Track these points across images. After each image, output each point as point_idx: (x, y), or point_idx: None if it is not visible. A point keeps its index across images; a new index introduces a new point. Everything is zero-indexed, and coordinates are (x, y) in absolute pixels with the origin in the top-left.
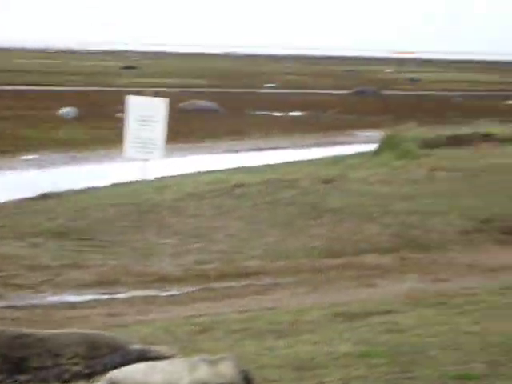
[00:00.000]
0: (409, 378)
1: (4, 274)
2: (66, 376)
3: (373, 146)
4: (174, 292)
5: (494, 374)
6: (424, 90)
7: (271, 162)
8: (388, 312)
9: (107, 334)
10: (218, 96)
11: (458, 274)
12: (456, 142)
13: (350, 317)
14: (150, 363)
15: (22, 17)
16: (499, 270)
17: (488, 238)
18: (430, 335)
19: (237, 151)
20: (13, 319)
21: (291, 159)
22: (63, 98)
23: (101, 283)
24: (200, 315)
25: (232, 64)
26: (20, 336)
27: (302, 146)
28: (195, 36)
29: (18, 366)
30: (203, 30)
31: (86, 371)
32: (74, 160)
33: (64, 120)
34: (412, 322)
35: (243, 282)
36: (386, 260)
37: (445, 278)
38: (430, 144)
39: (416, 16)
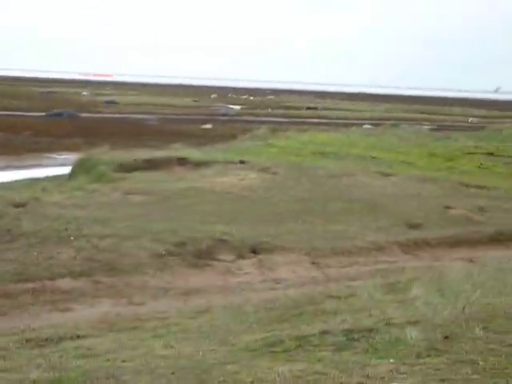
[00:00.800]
0: None
1: None
2: None
3: (68, 169)
4: None
5: None
6: (121, 113)
7: None
8: (81, 337)
9: None
10: None
11: (151, 297)
12: (152, 165)
13: (42, 342)
14: None
15: None
16: (191, 293)
17: (181, 262)
18: (124, 359)
19: None
20: None
21: None
22: None
23: None
24: None
25: None
26: None
27: None
28: None
29: None
30: None
31: None
32: None
33: None
34: (105, 346)
35: None
36: (80, 284)
37: (139, 301)
38: (126, 167)
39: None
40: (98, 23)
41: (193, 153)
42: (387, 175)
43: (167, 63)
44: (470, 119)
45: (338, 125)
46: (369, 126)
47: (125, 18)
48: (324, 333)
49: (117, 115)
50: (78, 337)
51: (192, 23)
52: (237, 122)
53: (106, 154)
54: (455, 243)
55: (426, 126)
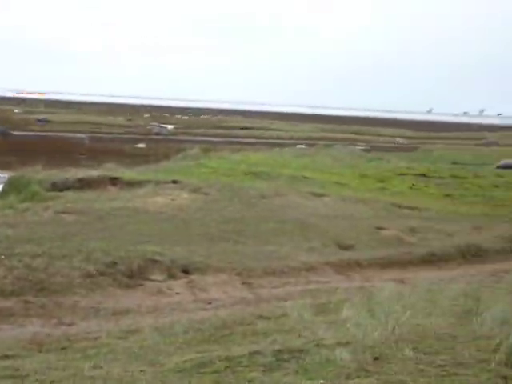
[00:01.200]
0: None
1: None
2: None
3: None
4: None
5: None
6: (53, 132)
7: None
8: (10, 357)
9: None
10: None
11: (82, 317)
12: (84, 184)
13: None
14: None
15: None
16: (122, 313)
17: (112, 282)
18: (53, 380)
19: None
20: None
21: None
22: None
23: None
24: None
25: None
26: None
27: None
28: None
29: None
30: None
31: None
32: None
33: None
34: (34, 366)
35: None
36: (10, 303)
37: (69, 321)
38: (59, 186)
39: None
40: (28, 39)
41: (125, 172)
42: (319, 196)
43: (101, 82)
44: (397, 140)
45: (272, 145)
46: (303, 146)
47: (58, 37)
48: (254, 353)
49: (49, 133)
50: (7, 357)
51: (125, 40)
52: (170, 142)
53: (38, 173)
54: (387, 264)
55: (359, 147)
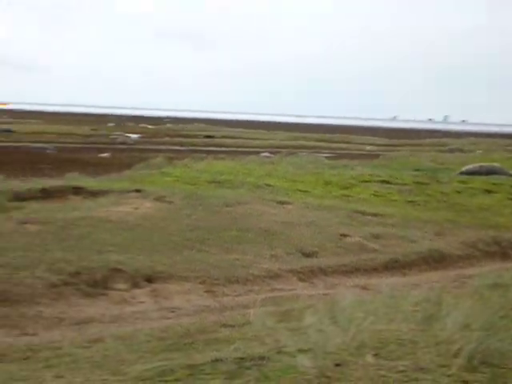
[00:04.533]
0: None
1: None
2: None
3: None
4: None
5: None
6: (17, 142)
7: None
8: None
9: None
10: None
11: (45, 327)
12: (47, 194)
13: None
14: None
15: None
16: (85, 322)
17: (75, 291)
18: None
19: None
20: None
21: None
22: None
23: None
24: None
25: None
26: None
27: None
28: None
29: None
30: None
31: None
32: None
33: None
34: None
35: None
36: None
37: (32, 331)
38: (21, 196)
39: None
40: None
41: (89, 182)
42: (282, 203)
43: (66, 91)
44: (368, 147)
45: (236, 153)
46: (267, 154)
47: (23, 45)
48: (216, 361)
49: (12, 144)
50: None
51: (91, 50)
52: (135, 151)
53: (0, 183)
54: (350, 271)
55: (324, 154)
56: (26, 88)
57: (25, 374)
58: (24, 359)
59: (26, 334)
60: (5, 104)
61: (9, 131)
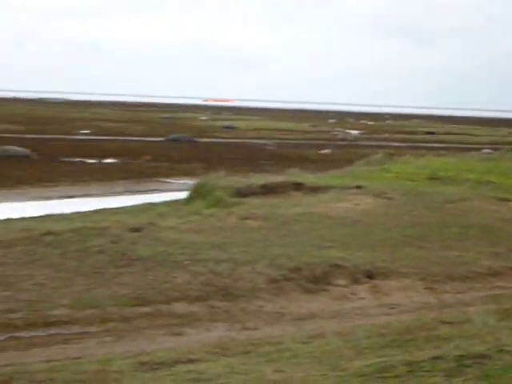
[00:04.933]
0: None
1: None
2: None
3: (185, 194)
4: None
5: None
6: (239, 138)
7: (82, 210)
8: (194, 361)
9: None
10: (32, 142)
11: (266, 322)
12: (268, 190)
13: (156, 366)
14: None
15: None
16: (305, 318)
17: (296, 287)
18: None
19: (48, 198)
20: None
21: (102, 207)
22: None
23: None
24: (4, 365)
25: (48, 110)
26: None
27: (115, 194)
28: (10, 81)
29: None
30: (19, 74)
31: None
32: None
33: None
34: (217, 370)
35: (50, 331)
36: (195, 308)
37: (253, 326)
38: (243, 192)
39: (229, 64)
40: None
41: (309, 178)
42: (504, 200)
43: (286, 88)
44: None
45: (456, 149)
46: (489, 151)
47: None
48: (436, 358)
49: (234, 140)
50: (191, 361)
51: (314, 48)
52: (355, 147)
53: (222, 179)
54: None
55: None
56: (249, 85)
57: (246, 367)
58: (245, 353)
59: (247, 329)
60: (229, 100)
61: (231, 127)
